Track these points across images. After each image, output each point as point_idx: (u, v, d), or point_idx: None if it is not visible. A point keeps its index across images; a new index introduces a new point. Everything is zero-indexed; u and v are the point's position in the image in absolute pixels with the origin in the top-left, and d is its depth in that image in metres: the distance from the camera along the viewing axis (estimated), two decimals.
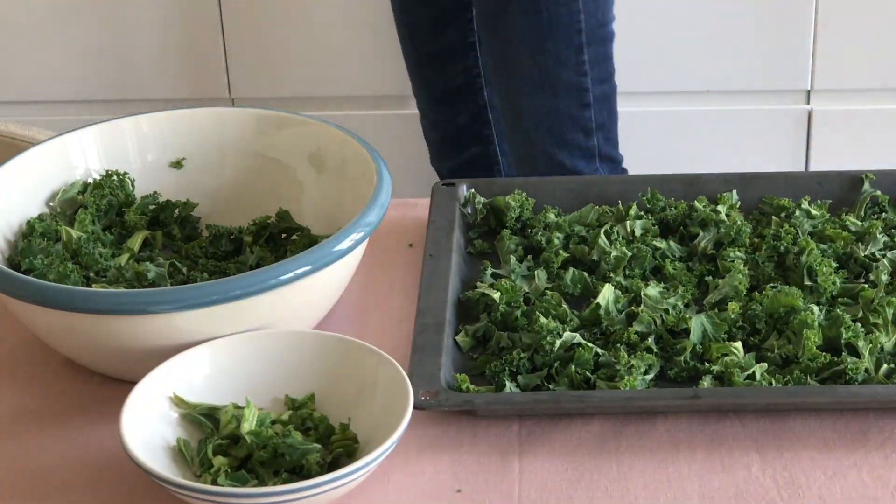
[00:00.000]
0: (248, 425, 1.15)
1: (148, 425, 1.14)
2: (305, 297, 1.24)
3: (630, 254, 1.37)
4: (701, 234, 1.41)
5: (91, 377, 1.28)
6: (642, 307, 1.30)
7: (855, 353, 1.24)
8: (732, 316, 1.28)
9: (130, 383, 1.16)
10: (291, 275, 1.19)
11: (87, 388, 1.27)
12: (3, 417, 1.24)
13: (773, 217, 1.44)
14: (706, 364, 1.24)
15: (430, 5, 2.39)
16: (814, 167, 2.80)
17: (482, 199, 1.48)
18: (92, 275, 1.31)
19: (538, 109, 2.19)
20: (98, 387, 1.27)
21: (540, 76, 2.15)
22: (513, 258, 1.38)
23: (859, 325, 1.26)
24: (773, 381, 1.21)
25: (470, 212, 1.47)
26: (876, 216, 1.44)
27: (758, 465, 1.16)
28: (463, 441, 1.19)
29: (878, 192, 1.46)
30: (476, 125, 2.48)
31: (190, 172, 1.45)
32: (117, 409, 1.13)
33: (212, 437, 1.15)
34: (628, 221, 1.42)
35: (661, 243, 1.40)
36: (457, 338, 1.29)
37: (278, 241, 1.39)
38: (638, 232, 1.41)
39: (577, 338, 1.26)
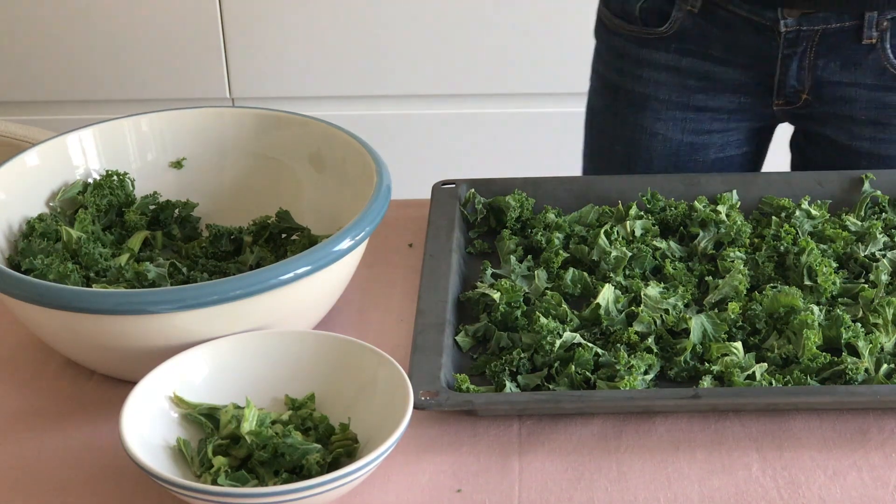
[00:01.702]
0: (248, 425, 1.15)
1: (148, 425, 1.13)
2: (305, 297, 1.24)
3: (630, 254, 1.37)
4: (701, 234, 1.41)
5: (91, 377, 1.28)
6: (642, 307, 1.30)
7: (855, 353, 1.24)
8: (732, 316, 1.28)
9: (130, 383, 1.16)
10: (291, 275, 1.19)
11: (87, 388, 1.27)
12: (3, 417, 1.24)
13: (773, 217, 1.44)
14: (706, 364, 1.24)
15: None
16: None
17: (482, 199, 1.48)
18: (92, 275, 1.31)
19: None
20: (98, 387, 1.27)
21: None
22: (513, 258, 1.38)
23: (859, 325, 1.26)
24: (773, 381, 1.21)
25: (470, 212, 1.47)
26: (876, 216, 1.44)
27: (758, 465, 1.16)
28: (463, 441, 1.19)
29: (878, 192, 1.46)
30: None
31: (190, 172, 1.45)
32: (117, 409, 1.12)
33: (212, 437, 1.15)
34: (628, 221, 1.42)
35: (661, 243, 1.40)
36: (457, 338, 1.29)
37: (278, 241, 1.39)
38: (638, 232, 1.41)
39: (577, 338, 1.26)
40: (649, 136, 1.67)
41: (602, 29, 1.72)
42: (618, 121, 1.70)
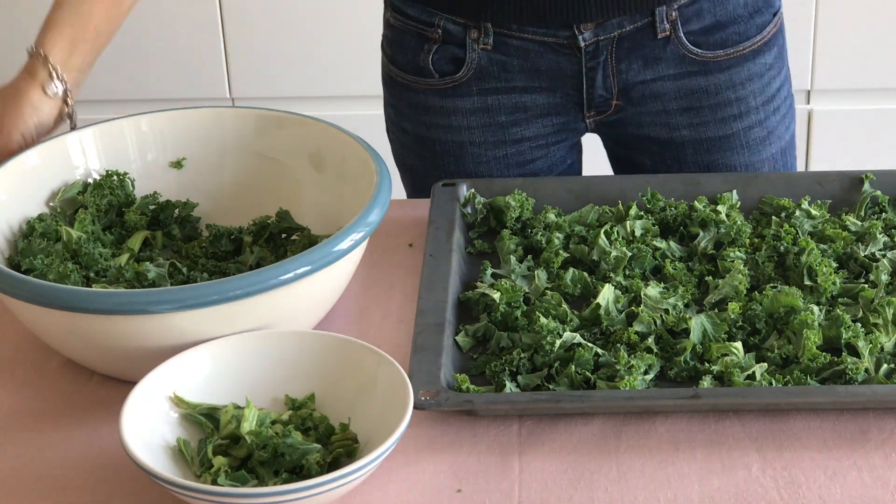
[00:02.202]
0: (248, 425, 1.15)
1: (148, 425, 1.14)
2: (305, 297, 1.24)
3: (630, 254, 1.37)
4: (701, 234, 1.41)
5: (91, 377, 1.28)
6: (642, 307, 1.30)
7: (855, 353, 1.24)
8: (732, 316, 1.28)
9: (130, 383, 1.16)
10: (291, 275, 1.19)
11: (87, 388, 1.27)
12: (3, 417, 1.24)
13: (773, 217, 1.44)
14: (706, 364, 1.24)
15: None
16: (814, 167, 2.79)
17: (482, 199, 1.48)
18: (92, 275, 1.31)
19: None
20: (98, 387, 1.27)
21: None
22: (513, 258, 1.38)
23: (859, 325, 1.26)
24: (773, 381, 1.21)
25: (470, 212, 1.47)
26: (876, 216, 1.44)
27: (758, 465, 1.16)
28: (463, 441, 1.19)
29: (878, 192, 1.46)
30: None
31: (190, 172, 1.45)
32: (117, 409, 1.12)
33: (212, 437, 1.15)
34: (628, 221, 1.42)
35: (661, 243, 1.40)
36: (457, 338, 1.29)
37: (278, 241, 1.39)
38: (638, 232, 1.41)
39: (577, 338, 1.26)
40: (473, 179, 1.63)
41: (395, 85, 1.69)
42: (438, 172, 1.66)
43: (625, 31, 1.56)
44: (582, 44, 1.56)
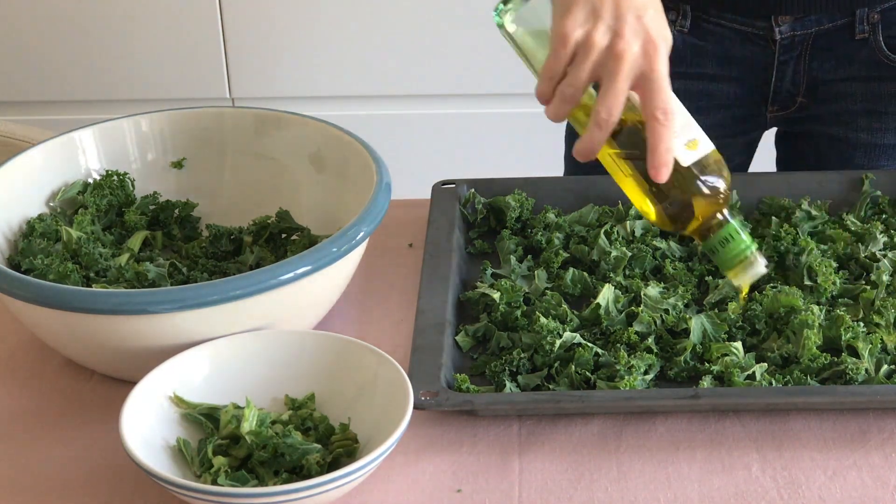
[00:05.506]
0: (248, 425, 1.15)
1: (148, 425, 1.14)
2: (305, 297, 1.24)
3: (630, 254, 1.37)
4: None
5: (91, 377, 1.28)
6: (642, 307, 1.30)
7: (855, 353, 1.24)
8: (732, 316, 1.28)
9: (130, 383, 1.16)
10: (291, 275, 1.19)
11: (87, 388, 1.27)
12: (3, 417, 1.24)
13: (773, 217, 1.44)
14: (706, 364, 1.24)
15: None
16: None
17: (482, 199, 1.48)
18: (92, 275, 1.31)
19: None
20: (98, 387, 1.27)
21: None
22: (513, 258, 1.38)
23: (860, 325, 1.26)
24: (773, 381, 1.21)
25: (470, 212, 1.47)
26: (876, 216, 1.44)
27: (758, 465, 1.16)
28: (463, 441, 1.19)
29: (878, 192, 1.46)
30: None
31: (190, 172, 1.45)
32: (117, 409, 1.12)
33: (212, 437, 1.15)
34: (628, 221, 1.42)
35: (661, 243, 1.40)
36: (457, 338, 1.29)
37: (278, 241, 1.39)
38: (638, 232, 1.41)
39: (577, 338, 1.26)
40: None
41: None
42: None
43: (822, 29, 1.56)
44: (778, 36, 1.56)
